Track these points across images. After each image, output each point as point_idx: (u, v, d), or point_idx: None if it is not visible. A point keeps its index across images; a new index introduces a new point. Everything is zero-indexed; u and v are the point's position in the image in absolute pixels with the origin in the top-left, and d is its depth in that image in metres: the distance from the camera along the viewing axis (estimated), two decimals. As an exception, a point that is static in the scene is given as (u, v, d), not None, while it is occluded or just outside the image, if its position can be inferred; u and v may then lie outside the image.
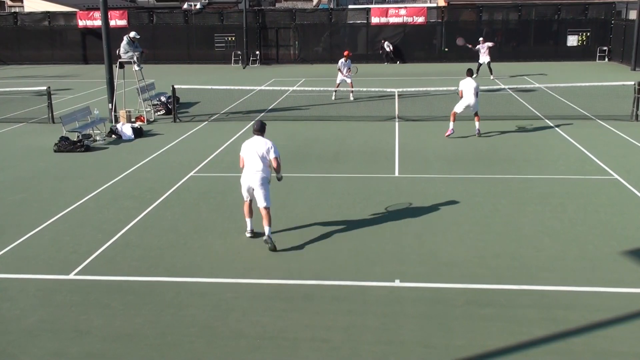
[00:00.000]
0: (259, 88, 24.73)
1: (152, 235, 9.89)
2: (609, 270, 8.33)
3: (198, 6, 50.61)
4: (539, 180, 12.53)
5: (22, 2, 52.95)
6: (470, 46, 28.57)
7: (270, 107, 21.78)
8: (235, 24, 38.40)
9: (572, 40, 36.84)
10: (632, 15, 34.09)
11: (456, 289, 7.86)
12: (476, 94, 16.33)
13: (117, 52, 19.55)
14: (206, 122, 19.26)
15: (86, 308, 7.55)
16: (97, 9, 38.23)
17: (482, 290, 7.82)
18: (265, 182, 9.29)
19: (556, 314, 7.20)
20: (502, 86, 25.13)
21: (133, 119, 18.92)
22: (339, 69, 22.82)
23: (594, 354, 6.39)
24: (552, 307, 7.36)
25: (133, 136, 17.11)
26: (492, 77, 27.82)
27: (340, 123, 18.80)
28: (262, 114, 20.44)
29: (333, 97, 23.12)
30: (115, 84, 19.50)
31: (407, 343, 6.68)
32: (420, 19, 37.49)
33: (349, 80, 22.73)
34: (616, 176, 12.65)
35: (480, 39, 29.21)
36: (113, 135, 17.17)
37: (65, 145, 15.68)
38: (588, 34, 36.65)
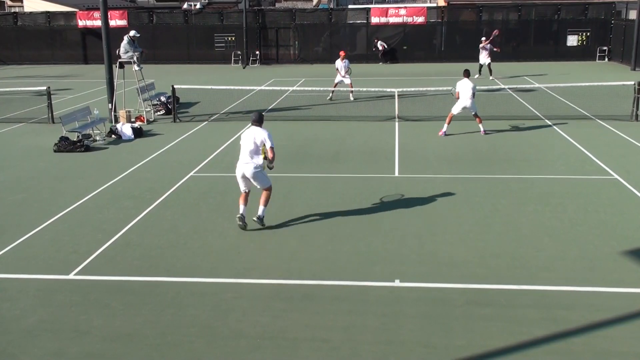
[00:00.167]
0: (258, 88, 24.74)
1: (152, 235, 9.88)
2: (609, 270, 8.33)
3: (198, 6, 50.63)
4: (539, 180, 12.53)
5: (22, 2, 52.97)
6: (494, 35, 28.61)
7: (270, 107, 21.78)
8: (235, 24, 38.41)
9: (572, 40, 36.84)
10: (632, 15, 34.11)
11: (456, 289, 7.86)
12: (472, 95, 16.36)
13: (117, 52, 19.55)
14: (206, 122, 19.26)
15: (86, 308, 7.54)
16: (97, 9, 38.24)
17: (482, 290, 7.82)
18: (259, 170, 9.80)
19: (556, 314, 7.20)
20: (502, 86, 25.14)
21: (133, 119, 18.92)
22: (337, 69, 22.85)
23: (594, 354, 6.39)
24: (552, 307, 7.36)
25: (133, 136, 17.11)
26: (491, 78, 27.82)
27: (340, 123, 18.80)
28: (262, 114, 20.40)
29: (328, 97, 23.05)
30: (115, 84, 19.50)
31: (407, 343, 6.68)
32: (420, 19, 37.49)
33: (347, 81, 22.71)
34: (616, 176, 12.65)
35: (483, 38, 29.18)
36: (113, 135, 17.17)
37: (65, 145, 15.68)
38: (588, 34, 36.65)
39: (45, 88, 20.05)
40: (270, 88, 24.14)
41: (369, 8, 39.37)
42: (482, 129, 16.63)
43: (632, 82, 18.61)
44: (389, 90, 21.74)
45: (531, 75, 29.51)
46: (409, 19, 37.51)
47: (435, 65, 35.16)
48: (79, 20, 39.69)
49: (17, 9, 52.18)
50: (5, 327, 7.13)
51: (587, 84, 21.78)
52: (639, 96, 18.25)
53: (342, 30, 38.65)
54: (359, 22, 38.32)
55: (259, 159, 9.79)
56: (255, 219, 9.94)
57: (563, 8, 36.72)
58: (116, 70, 19.74)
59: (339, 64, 22.73)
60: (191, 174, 13.43)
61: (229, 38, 38.72)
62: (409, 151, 15.07)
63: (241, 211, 9.94)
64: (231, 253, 9.16)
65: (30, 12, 43.24)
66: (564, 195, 11.49)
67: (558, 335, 6.75)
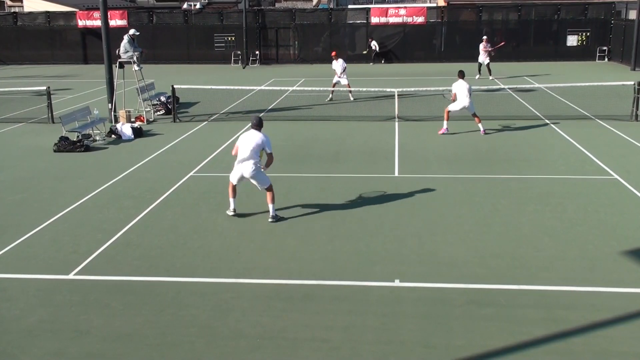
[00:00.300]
0: (258, 88, 24.74)
1: (152, 235, 9.88)
2: (609, 270, 8.33)
3: (198, 6, 50.63)
4: (539, 180, 12.53)
5: (21, 2, 52.96)
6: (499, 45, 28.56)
7: (270, 107, 21.78)
8: (235, 24, 38.41)
9: (572, 40, 36.84)
10: (632, 15, 34.12)
11: (456, 289, 7.86)
12: (469, 95, 16.39)
13: (117, 52, 19.55)
14: (206, 122, 19.26)
15: (86, 308, 7.54)
16: (96, 9, 38.26)
17: (482, 290, 7.82)
18: (258, 170, 10.30)
19: (556, 314, 7.20)
20: (502, 86, 25.14)
21: (133, 119, 18.92)
22: (335, 70, 22.86)
23: (594, 354, 6.39)
24: (552, 307, 7.36)
25: (133, 136, 17.11)
26: (491, 78, 27.82)
27: (340, 123, 18.80)
28: (262, 114, 20.41)
29: (327, 99, 23.00)
30: (115, 84, 19.50)
31: (407, 343, 6.68)
32: (420, 19, 37.49)
33: (344, 82, 22.64)
34: (616, 176, 12.65)
35: (484, 37, 29.16)
36: (113, 135, 17.17)
37: (65, 145, 15.68)
38: (588, 34, 36.66)
39: (45, 88, 20.05)
40: (270, 88, 24.14)
41: (369, 8, 39.38)
42: (481, 129, 16.65)
43: (632, 82, 18.61)
44: (389, 90, 21.74)
45: (531, 75, 29.51)
46: (409, 19, 37.52)
47: (435, 65, 35.16)
48: (78, 20, 39.69)
49: (17, 9, 52.16)
50: (5, 327, 7.13)
51: (587, 84, 21.77)
52: (638, 96, 18.26)
53: (342, 30, 38.65)
54: (358, 22, 38.33)
55: (258, 161, 10.25)
56: (270, 220, 10.32)
57: (563, 8, 36.72)
58: (116, 70, 19.74)
59: (335, 64, 22.72)
60: (191, 174, 13.43)
61: (229, 38, 38.72)
62: (409, 151, 15.07)
63: (232, 206, 10.61)
64: (231, 253, 9.17)
65: (30, 12, 43.24)
66: (563, 195, 11.49)
67: (558, 335, 6.75)
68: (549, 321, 7.03)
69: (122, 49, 19.48)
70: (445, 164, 13.91)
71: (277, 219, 10.36)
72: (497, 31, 37.29)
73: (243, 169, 10.23)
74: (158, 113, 20.65)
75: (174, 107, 19.89)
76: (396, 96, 21.64)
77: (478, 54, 28.81)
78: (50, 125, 19.05)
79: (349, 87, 22.73)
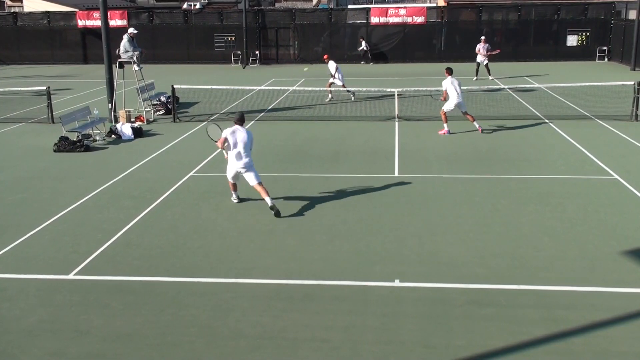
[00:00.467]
0: (258, 88, 24.74)
1: (152, 235, 9.89)
2: (609, 270, 8.33)
3: (198, 6, 50.63)
4: (539, 180, 12.53)
5: (21, 2, 52.95)
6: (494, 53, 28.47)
7: (270, 107, 21.78)
8: (235, 24, 38.41)
9: (572, 40, 36.85)
10: (632, 15, 34.13)
11: (456, 289, 7.86)
12: (460, 91, 16.49)
13: (117, 52, 19.55)
14: (206, 122, 19.24)
15: (86, 308, 7.55)
16: (96, 9, 38.28)
17: (482, 290, 7.82)
18: (251, 165, 10.84)
19: (556, 314, 7.20)
20: (502, 86, 25.14)
21: (133, 119, 18.92)
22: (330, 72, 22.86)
23: (594, 354, 6.39)
24: (552, 307, 7.36)
25: (133, 136, 17.11)
26: (490, 78, 27.80)
27: (340, 123, 18.80)
28: (262, 114, 20.45)
29: (327, 99, 22.96)
30: (115, 84, 19.50)
31: (407, 343, 6.68)
32: (420, 19, 37.50)
33: (338, 83, 22.56)
34: (616, 176, 12.66)
35: (482, 37, 29.15)
36: (113, 135, 17.17)
37: (65, 145, 15.68)
38: (588, 34, 36.66)
39: (45, 88, 20.05)
40: (270, 88, 24.14)
41: (369, 8, 39.38)
42: (477, 126, 16.68)
43: (632, 82, 18.61)
44: (389, 90, 21.74)
45: (531, 75, 29.51)
46: (409, 19, 37.52)
47: (435, 65, 35.10)
48: (78, 20, 39.68)
49: (17, 9, 52.15)
50: (5, 327, 7.13)
51: (587, 84, 21.78)
52: (638, 96, 18.26)
53: (342, 30, 38.65)
54: (358, 22, 38.33)
55: (250, 156, 10.86)
56: (272, 209, 10.56)
57: (563, 8, 36.72)
58: (116, 70, 19.74)
59: (331, 66, 22.69)
60: (191, 174, 13.43)
61: (229, 38, 38.73)
62: (409, 151, 15.07)
63: (234, 195, 11.34)
64: (231, 253, 9.17)
65: (30, 12, 43.23)
66: (563, 195, 11.49)
67: (558, 335, 6.75)
68: (548, 321, 7.03)
69: (121, 48, 19.48)
70: (445, 164, 13.91)
71: (276, 208, 10.54)
72: (497, 31, 37.35)
73: (239, 165, 10.71)
74: (158, 113, 20.65)
75: (174, 107, 19.89)
76: (396, 96, 21.65)
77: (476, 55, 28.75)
78: (50, 125, 19.05)
79: (344, 87, 22.65)
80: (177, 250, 9.30)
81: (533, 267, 8.45)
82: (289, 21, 38.63)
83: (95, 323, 7.17)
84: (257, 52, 38.40)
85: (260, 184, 10.75)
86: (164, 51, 38.60)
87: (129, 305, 7.60)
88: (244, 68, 36.75)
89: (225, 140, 10.71)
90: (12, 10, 50.82)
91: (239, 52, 38.19)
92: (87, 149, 15.83)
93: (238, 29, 37.94)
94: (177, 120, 19.62)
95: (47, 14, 40.43)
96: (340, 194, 11.80)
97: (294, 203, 11.32)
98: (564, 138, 16.20)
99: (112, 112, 19.12)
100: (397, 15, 37.73)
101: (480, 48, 28.19)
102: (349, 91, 22.89)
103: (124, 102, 19.99)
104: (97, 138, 17.06)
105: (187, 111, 21.15)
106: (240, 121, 10.87)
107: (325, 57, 23.68)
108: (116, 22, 37.91)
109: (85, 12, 40.61)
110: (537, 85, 24.55)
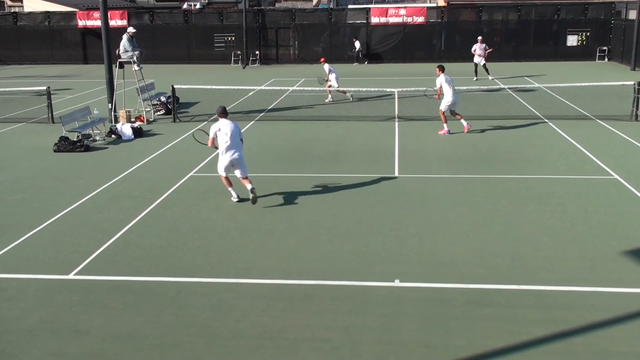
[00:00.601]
0: (258, 88, 24.74)
1: (152, 235, 9.89)
2: (609, 270, 8.33)
3: (198, 6, 50.65)
4: (539, 180, 12.53)
5: (21, 2, 52.95)
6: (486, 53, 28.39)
7: (270, 107, 21.78)
8: (235, 24, 38.42)
9: (572, 40, 36.86)
10: (632, 15, 34.13)
11: (456, 289, 7.86)
12: (453, 88, 16.57)
13: (117, 52, 19.55)
14: (206, 122, 19.24)
15: (86, 308, 7.55)
16: (96, 9, 38.28)
17: (482, 290, 7.82)
18: (243, 157, 11.16)
19: (556, 314, 7.20)
20: (502, 86, 25.14)
21: (133, 119, 18.92)
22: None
23: (594, 354, 6.39)
24: (552, 307, 7.37)
25: (133, 136, 17.11)
26: (489, 78, 27.80)
27: (340, 123, 18.80)
28: (262, 114, 20.46)
29: (327, 100, 22.93)
30: (115, 84, 19.50)
31: (407, 343, 6.68)
32: (420, 19, 37.50)
33: (334, 84, 22.41)
34: (616, 176, 12.66)
35: (479, 37, 29.13)
36: (113, 135, 17.17)
37: (65, 145, 15.68)
38: (588, 34, 36.67)
39: (45, 88, 20.05)
40: (270, 88, 24.14)
41: (369, 8, 39.39)
42: (465, 124, 16.71)
43: (632, 82, 18.61)
44: (389, 90, 21.74)
45: (531, 75, 29.51)
46: (409, 19, 37.53)
47: (435, 65, 35.03)
48: (78, 20, 39.69)
49: (17, 9, 52.16)
50: (5, 327, 7.14)
51: (587, 84, 21.77)
52: (638, 96, 18.25)
53: (342, 30, 38.65)
54: (358, 22, 38.34)
55: (241, 148, 11.18)
56: (252, 194, 10.86)
57: (563, 8, 36.73)
58: (116, 70, 19.74)
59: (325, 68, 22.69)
60: (191, 174, 13.43)
61: (229, 38, 38.74)
62: (409, 151, 15.07)
63: (234, 194, 11.33)
64: (231, 253, 9.17)
65: (30, 12, 43.24)
66: (563, 195, 11.49)
67: (558, 335, 6.75)
68: (548, 321, 7.03)
69: (121, 48, 19.48)
70: (445, 164, 13.91)
71: (254, 191, 10.89)
72: (497, 31, 37.36)
73: (232, 157, 10.98)
74: (158, 113, 20.65)
75: (174, 107, 19.90)
76: (396, 96, 21.65)
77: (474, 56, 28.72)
78: (50, 125, 19.05)
79: (339, 89, 22.61)
80: (177, 250, 9.30)
81: (533, 267, 8.45)
82: (289, 21, 38.64)
83: (95, 323, 7.18)
84: (257, 52, 38.41)
85: (246, 178, 11.08)
86: (164, 51, 38.61)
87: (129, 305, 7.60)
88: (244, 68, 36.76)
89: (215, 137, 11.04)
90: (12, 10, 50.83)
91: (239, 52, 38.20)
92: (87, 149, 15.83)
93: (238, 29, 37.95)
94: (177, 120, 19.62)
95: (47, 14, 40.44)
96: (340, 194, 11.80)
97: (294, 203, 11.32)
98: (564, 138, 16.20)
99: (112, 112, 19.12)
100: (397, 15, 37.75)
101: (477, 48, 28.16)
102: (344, 92, 22.83)
103: (124, 102, 20.00)
104: (97, 138, 17.06)
105: (187, 111, 21.16)
106: (224, 114, 11.15)
107: (321, 60, 23.60)
108: (116, 22, 37.92)
109: (85, 12, 40.62)
110: (537, 85, 24.55)
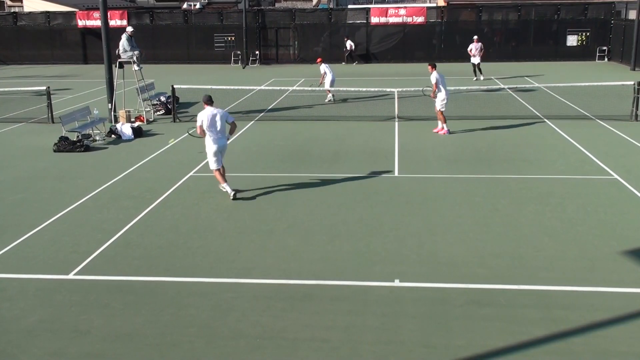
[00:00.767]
0: (258, 88, 24.74)
1: (152, 235, 9.89)
2: (609, 270, 8.33)
3: (198, 6, 50.64)
4: (539, 180, 12.53)
5: (21, 2, 52.95)
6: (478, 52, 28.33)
7: (270, 107, 21.78)
8: (234, 24, 38.42)
9: (572, 40, 36.87)
10: (632, 15, 34.14)
11: (456, 289, 7.86)
12: (445, 85, 16.67)
13: (117, 52, 19.55)
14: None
15: (86, 308, 7.54)
16: (96, 9, 38.28)
17: (482, 290, 7.82)
18: (226, 146, 11.70)
19: (556, 314, 7.20)
20: (502, 86, 25.14)
21: (132, 119, 18.92)
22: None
23: (594, 354, 6.39)
24: (552, 307, 7.36)
25: (132, 136, 17.11)
26: (481, 78, 27.74)
27: (340, 123, 18.80)
28: (262, 114, 20.46)
29: (327, 100, 22.93)
30: (114, 83, 19.50)
31: (407, 343, 6.68)
32: (420, 19, 37.51)
33: (327, 85, 22.39)
34: (616, 176, 12.66)
35: (475, 37, 29.08)
36: (112, 135, 17.17)
37: (64, 145, 15.68)
38: (587, 34, 36.67)
39: (44, 88, 20.06)
40: (270, 88, 24.14)
41: (369, 8, 39.39)
42: (445, 127, 16.76)
43: (632, 82, 18.61)
44: (389, 90, 21.75)
45: (531, 75, 29.51)
46: (409, 19, 37.54)
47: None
48: (78, 20, 39.70)
49: (16, 9, 52.16)
50: (5, 327, 7.13)
51: (587, 84, 21.78)
52: (638, 96, 18.26)
53: (341, 30, 38.65)
54: (358, 22, 38.34)
55: (227, 134, 11.53)
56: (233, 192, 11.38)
57: (563, 8, 36.73)
58: (116, 70, 19.74)
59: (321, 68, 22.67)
60: (191, 174, 13.43)
61: (229, 38, 38.74)
62: (408, 151, 15.07)
63: (230, 190, 11.49)
64: (231, 253, 9.17)
65: (30, 12, 43.24)
66: (563, 195, 11.49)
67: (558, 335, 6.75)
68: (548, 321, 7.03)
69: (121, 48, 19.49)
70: (445, 164, 13.91)
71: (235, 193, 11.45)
72: (497, 31, 37.36)
73: (220, 143, 11.37)
74: (158, 113, 20.65)
75: (174, 107, 19.90)
76: (396, 96, 21.65)
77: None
78: (50, 125, 19.05)
79: (329, 90, 22.57)
80: (177, 250, 9.30)
81: (533, 267, 8.45)
82: (289, 21, 38.64)
83: (95, 323, 7.17)
84: (257, 52, 38.41)
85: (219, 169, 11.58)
86: (164, 51, 38.61)
87: (129, 305, 7.60)
88: (244, 68, 36.76)
89: (202, 125, 11.29)
90: (12, 10, 50.82)
91: (239, 52, 38.20)
92: (87, 149, 15.83)
93: (238, 29, 37.95)
94: (177, 120, 19.62)
95: (47, 14, 40.44)
96: (340, 194, 11.80)
97: (294, 203, 11.32)
98: (564, 138, 16.20)
99: (112, 112, 19.12)
100: (397, 15, 37.75)
101: (473, 48, 28.12)
102: (329, 91, 22.71)
103: (123, 102, 20.00)
104: (97, 138, 17.06)
105: (187, 111, 21.15)
106: (210, 102, 11.40)
107: (318, 60, 23.59)
108: (116, 22, 37.92)
109: (85, 12, 40.63)
110: (537, 85, 24.55)
